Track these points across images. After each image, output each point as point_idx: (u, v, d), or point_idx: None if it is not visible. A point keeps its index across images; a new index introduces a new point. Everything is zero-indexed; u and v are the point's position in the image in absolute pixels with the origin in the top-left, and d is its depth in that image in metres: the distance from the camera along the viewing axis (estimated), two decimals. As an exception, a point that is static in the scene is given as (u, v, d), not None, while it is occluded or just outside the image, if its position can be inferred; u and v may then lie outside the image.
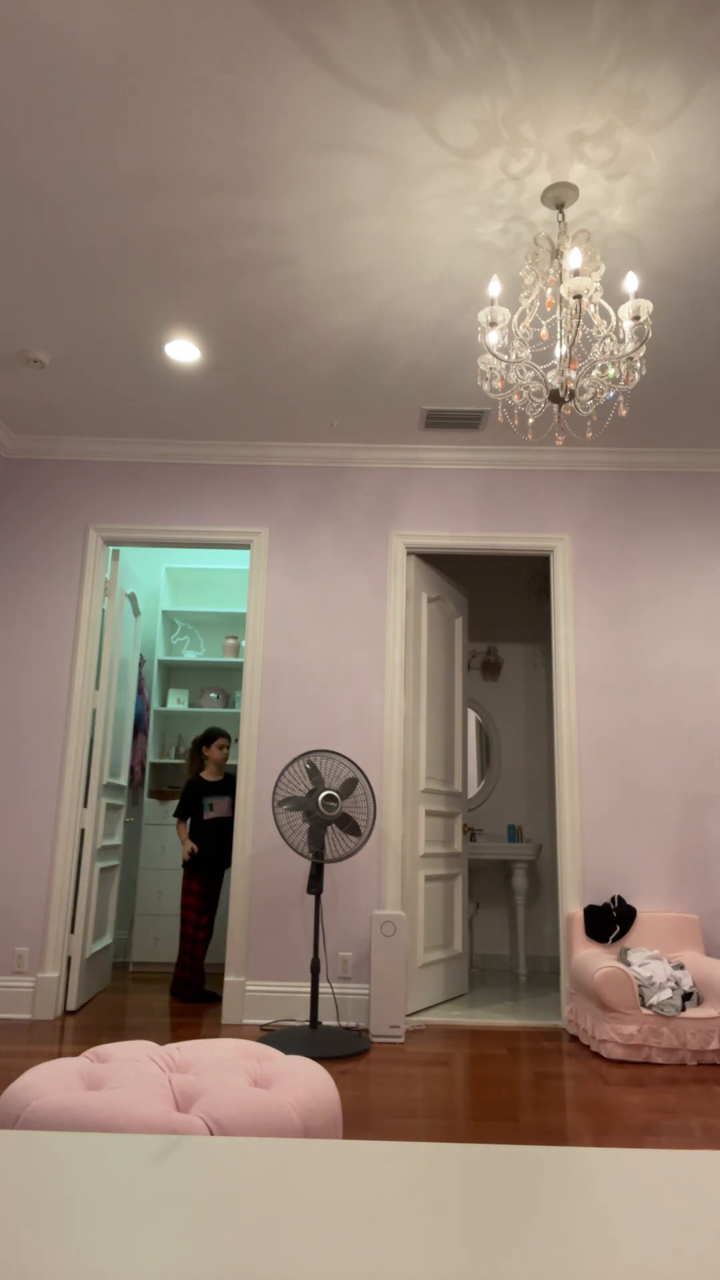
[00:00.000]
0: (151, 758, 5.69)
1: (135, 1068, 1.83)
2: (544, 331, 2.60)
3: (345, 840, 3.89)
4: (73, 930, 4.23)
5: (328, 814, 3.76)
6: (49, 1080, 1.74)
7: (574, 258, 2.46)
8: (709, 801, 4.25)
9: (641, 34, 2.20)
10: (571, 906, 4.15)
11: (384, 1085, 3.14)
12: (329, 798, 3.76)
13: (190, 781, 4.90)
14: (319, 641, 4.46)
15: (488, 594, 6.25)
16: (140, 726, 5.69)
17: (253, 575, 4.54)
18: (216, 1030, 3.92)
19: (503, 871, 5.81)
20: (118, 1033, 3.80)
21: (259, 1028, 3.96)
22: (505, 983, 5.14)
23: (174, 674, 6.07)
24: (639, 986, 3.59)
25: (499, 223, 2.91)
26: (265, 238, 3.02)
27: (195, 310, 3.47)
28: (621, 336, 2.68)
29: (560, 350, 2.65)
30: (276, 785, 3.86)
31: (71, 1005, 4.13)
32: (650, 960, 3.75)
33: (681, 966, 3.75)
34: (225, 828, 4.80)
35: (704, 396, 4.03)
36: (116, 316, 3.52)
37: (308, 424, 4.41)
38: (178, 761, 5.74)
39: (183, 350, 3.74)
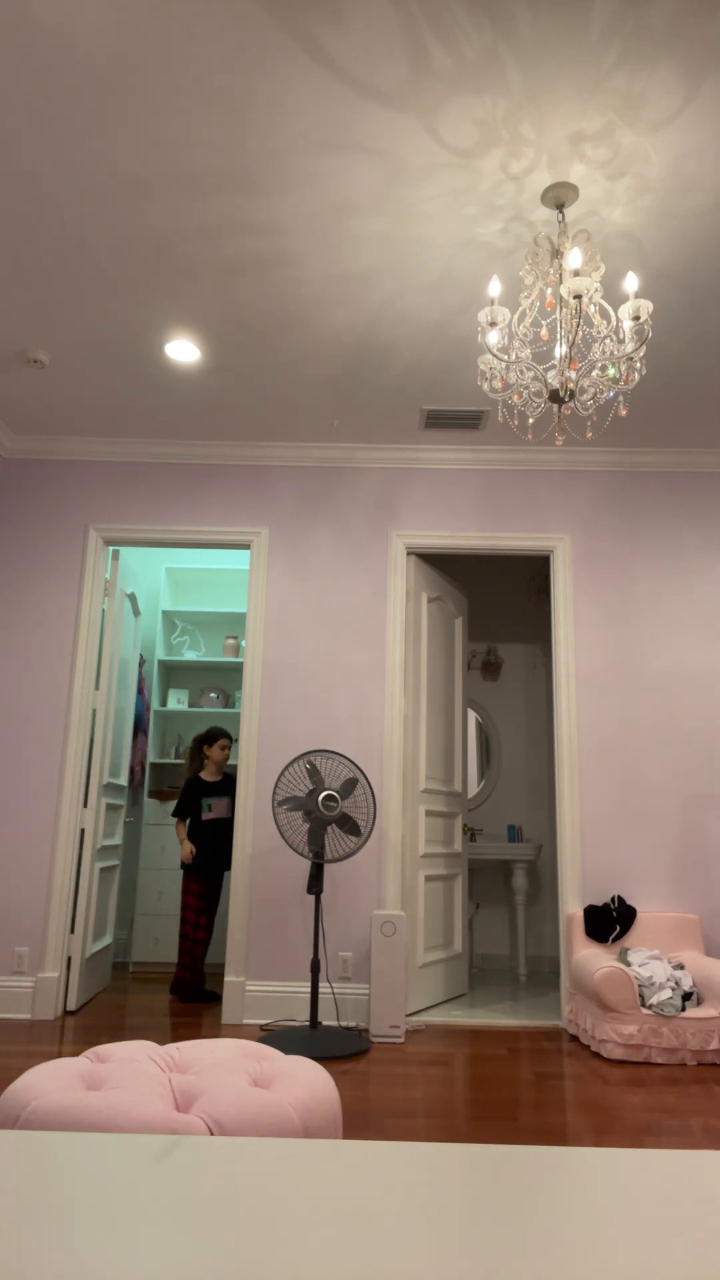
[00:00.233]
0: (151, 758, 5.69)
1: (135, 1068, 1.83)
2: (544, 331, 2.60)
3: (345, 840, 3.89)
4: (73, 930, 4.23)
5: (328, 814, 3.76)
6: (49, 1080, 1.74)
7: (574, 258, 2.46)
8: (709, 801, 4.25)
9: (641, 34, 2.20)
10: (571, 906, 4.15)
11: (384, 1085, 3.14)
12: (329, 798, 3.76)
13: (190, 781, 4.89)
14: (319, 641, 4.46)
15: (488, 594, 6.25)
16: (140, 726, 5.70)
17: (253, 575, 4.54)
18: (216, 1030, 3.92)
19: (503, 871, 5.81)
20: (118, 1033, 3.80)
21: (259, 1028, 3.96)
22: (505, 983, 5.14)
23: (174, 674, 6.07)
24: (639, 986, 3.59)
25: (499, 223, 2.91)
26: (265, 237, 3.02)
27: (195, 310, 3.47)
28: (621, 336, 2.68)
29: (560, 350, 2.65)
30: (276, 785, 3.86)
31: (71, 1005, 4.13)
32: (650, 960, 3.75)
33: (681, 966, 3.75)
34: (224, 828, 4.79)
35: (704, 396, 4.03)
36: (116, 316, 3.52)
37: (307, 424, 4.41)
38: (178, 761, 5.74)
39: (183, 350, 3.74)
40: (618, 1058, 3.47)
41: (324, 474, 4.67)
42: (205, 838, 4.76)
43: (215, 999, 4.52)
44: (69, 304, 3.43)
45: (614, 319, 2.65)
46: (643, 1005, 3.53)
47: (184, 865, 4.74)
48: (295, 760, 3.92)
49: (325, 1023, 3.99)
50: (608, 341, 2.63)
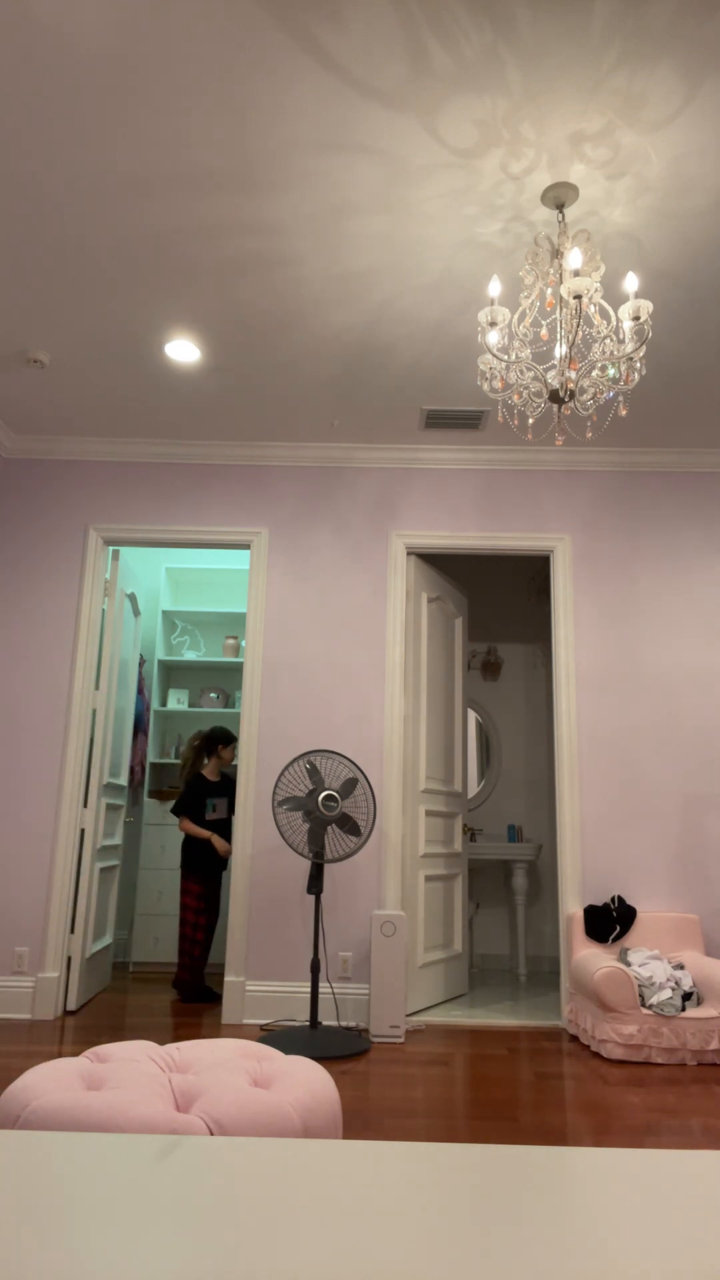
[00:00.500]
0: (151, 758, 5.69)
1: (135, 1068, 1.83)
2: (544, 331, 2.60)
3: (345, 840, 3.89)
4: (73, 930, 4.24)
5: (328, 814, 3.76)
6: (49, 1080, 1.74)
7: (574, 258, 2.46)
8: (709, 801, 4.25)
9: (642, 34, 2.20)
10: (571, 906, 4.15)
11: (384, 1085, 3.14)
12: (329, 798, 3.76)
13: (196, 778, 4.87)
14: (319, 641, 4.46)
15: (488, 594, 6.25)
16: (140, 726, 5.70)
17: (253, 575, 4.54)
18: (216, 1030, 3.92)
19: (503, 871, 5.81)
20: (118, 1033, 3.80)
21: (259, 1028, 3.96)
22: (505, 983, 5.14)
23: (174, 674, 6.07)
24: (639, 986, 3.59)
25: (499, 223, 2.91)
26: (265, 237, 3.02)
27: (195, 310, 3.47)
28: (621, 336, 2.68)
29: (560, 350, 2.65)
30: (276, 785, 3.86)
31: (71, 1005, 4.13)
32: (650, 960, 3.75)
33: (681, 966, 3.75)
34: (223, 829, 4.80)
35: (704, 396, 4.03)
36: (116, 316, 3.52)
37: (307, 424, 4.41)
38: (177, 761, 5.74)
39: (183, 350, 3.74)
40: (618, 1058, 3.47)
41: (324, 474, 4.67)
42: (202, 839, 4.76)
43: (216, 999, 4.52)
44: (69, 304, 3.43)
45: (614, 319, 2.65)
46: (643, 1005, 3.53)
47: (186, 865, 4.74)
48: (295, 760, 3.92)
49: (325, 1023, 3.99)
50: (608, 341, 2.63)
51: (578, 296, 2.41)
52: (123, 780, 4.96)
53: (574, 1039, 3.86)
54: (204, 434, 4.55)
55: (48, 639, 4.45)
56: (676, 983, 3.60)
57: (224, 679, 6.06)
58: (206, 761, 4.95)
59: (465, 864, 4.88)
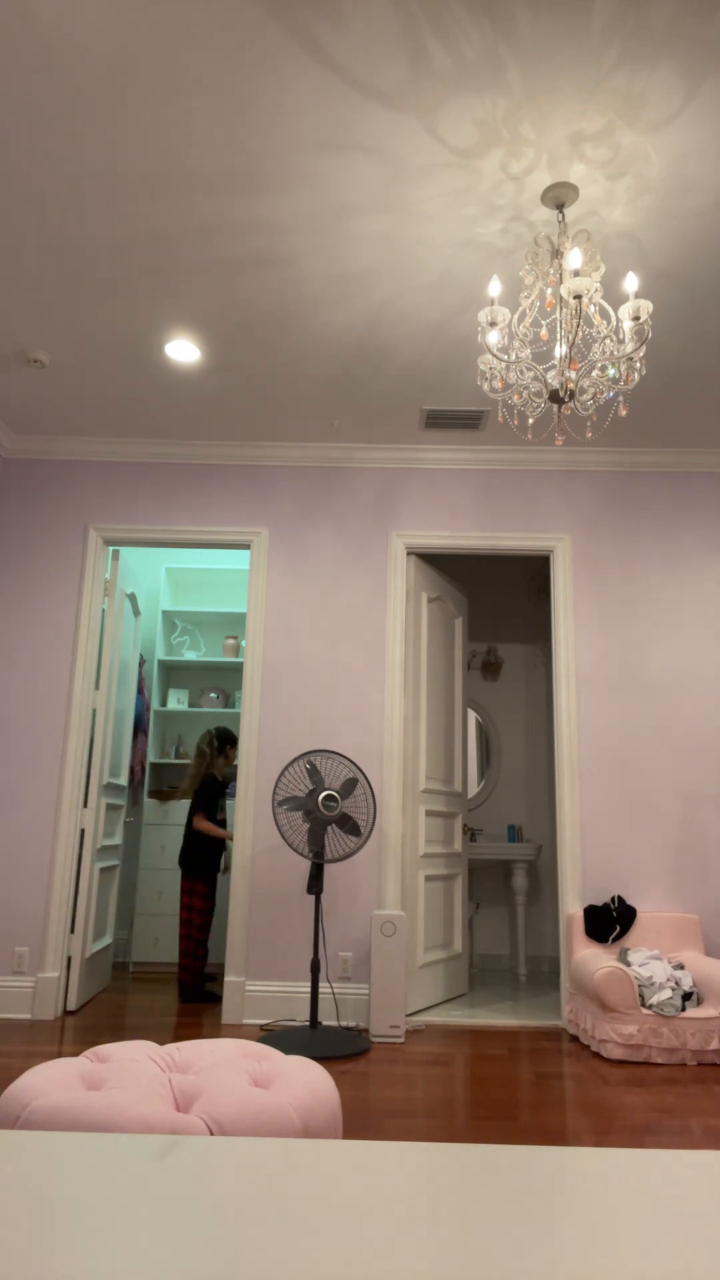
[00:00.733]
0: (151, 758, 5.69)
1: (135, 1068, 1.83)
2: (544, 331, 2.60)
3: (345, 840, 3.89)
4: (73, 930, 4.24)
5: (328, 814, 3.76)
6: (49, 1080, 1.74)
7: (574, 258, 2.46)
8: (709, 801, 4.25)
9: (642, 34, 2.20)
10: (571, 906, 4.14)
11: (384, 1085, 3.14)
12: (329, 798, 3.76)
13: (212, 778, 4.86)
14: (319, 641, 4.46)
15: (488, 594, 6.25)
16: (140, 726, 5.70)
17: (253, 575, 4.54)
18: (216, 1030, 3.92)
19: (503, 871, 5.81)
20: (118, 1033, 3.80)
21: (259, 1028, 3.96)
22: (505, 983, 5.14)
23: (174, 674, 6.07)
24: (639, 986, 3.59)
25: (499, 223, 2.91)
26: (265, 237, 3.02)
27: (195, 310, 3.47)
28: (621, 336, 2.68)
29: (560, 350, 2.65)
30: (276, 785, 3.86)
31: (71, 1005, 4.13)
32: (650, 960, 3.75)
33: (681, 966, 3.75)
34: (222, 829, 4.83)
35: (704, 396, 4.03)
36: (117, 316, 3.52)
37: (307, 424, 4.41)
38: (178, 761, 5.74)
39: (183, 350, 3.74)
40: (618, 1058, 3.47)
41: (324, 474, 4.67)
42: (210, 839, 4.77)
43: (216, 1000, 4.52)
44: (69, 304, 3.43)
45: (614, 319, 2.65)
46: (643, 1005, 3.53)
47: (192, 865, 4.72)
48: (295, 760, 3.92)
49: (325, 1023, 3.99)
50: (608, 341, 2.63)
51: (578, 296, 2.41)
52: (123, 780, 4.96)
53: (574, 1039, 3.86)
54: (204, 434, 4.55)
55: (48, 639, 4.45)
56: (676, 983, 3.60)
57: (224, 679, 6.06)
58: (218, 761, 4.95)
59: (465, 864, 4.88)
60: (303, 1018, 4.04)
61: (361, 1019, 4.06)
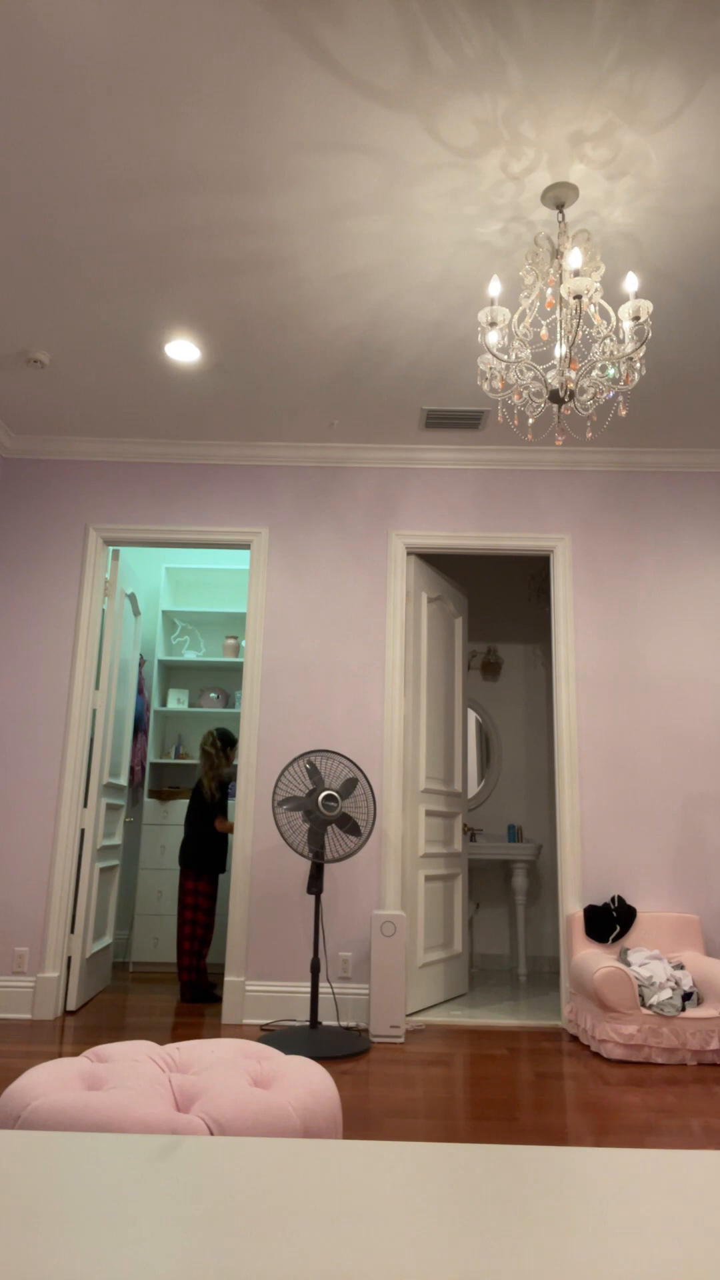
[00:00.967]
0: (151, 758, 5.69)
1: (135, 1068, 1.82)
2: (544, 331, 2.60)
3: (345, 840, 3.89)
4: (73, 930, 4.23)
5: (328, 814, 3.76)
6: (49, 1080, 1.74)
7: (574, 258, 2.46)
8: (709, 801, 4.25)
9: (642, 34, 2.20)
10: (571, 906, 4.14)
11: (384, 1085, 3.14)
12: (329, 798, 3.76)
13: (227, 778, 4.93)
14: (319, 641, 4.46)
15: (488, 594, 6.25)
16: (140, 726, 5.70)
17: (252, 575, 4.54)
18: (216, 1030, 3.92)
19: (503, 871, 5.81)
20: (118, 1033, 3.80)
21: (259, 1028, 3.96)
22: (505, 983, 5.14)
23: (174, 674, 6.07)
24: (639, 986, 3.59)
25: (499, 222, 2.91)
26: (265, 237, 3.02)
27: (195, 310, 3.47)
28: (621, 337, 2.68)
29: (560, 350, 2.65)
30: (276, 785, 3.86)
31: (71, 1005, 4.13)
32: (650, 960, 3.75)
33: (681, 966, 3.75)
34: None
35: (704, 396, 4.03)
36: (116, 316, 3.52)
37: (307, 424, 4.41)
38: (178, 761, 5.74)
39: (182, 350, 3.74)
40: (618, 1058, 3.47)
41: (323, 474, 4.67)
42: (219, 837, 4.81)
43: (218, 999, 4.53)
44: (69, 304, 3.43)
45: (614, 319, 2.65)
46: (643, 1005, 3.53)
47: (201, 864, 4.74)
48: (295, 760, 3.92)
49: (325, 1023, 3.99)
50: (608, 341, 2.63)
51: (578, 296, 2.41)
52: (123, 780, 4.96)
53: (574, 1039, 3.86)
54: (204, 434, 4.55)
55: (48, 639, 4.45)
56: (676, 983, 3.60)
57: (224, 679, 6.06)
58: (221, 760, 4.99)
59: (465, 864, 4.88)
60: (303, 1018, 4.04)
61: (361, 1019, 4.06)
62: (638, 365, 2.61)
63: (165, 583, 5.88)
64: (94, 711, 4.49)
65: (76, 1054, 3.46)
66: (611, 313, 2.70)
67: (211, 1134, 1.61)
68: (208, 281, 3.28)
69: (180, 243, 3.06)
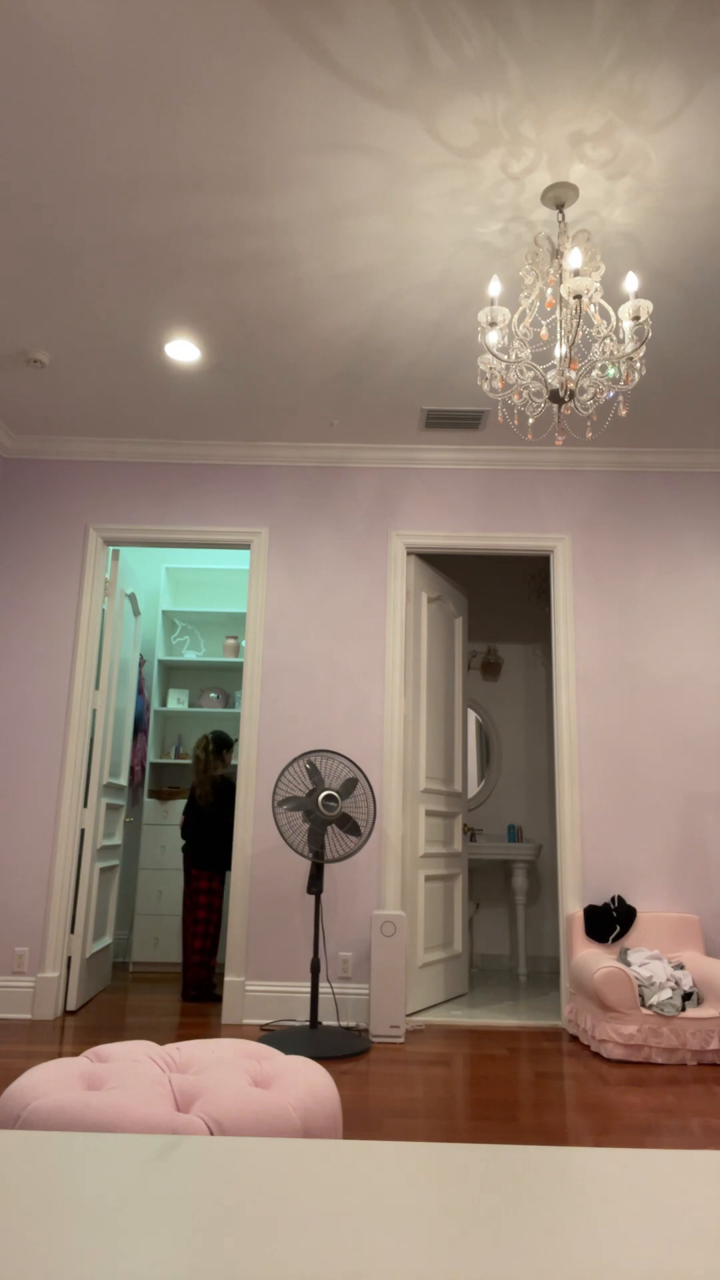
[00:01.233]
0: (151, 758, 5.69)
1: (135, 1068, 1.82)
2: (544, 331, 2.60)
3: (345, 840, 3.89)
4: (73, 930, 4.23)
5: (328, 814, 3.76)
6: (49, 1080, 1.74)
7: (574, 258, 2.46)
8: (709, 801, 4.25)
9: (642, 34, 2.20)
10: (571, 906, 4.14)
11: (384, 1085, 3.14)
12: (329, 798, 3.76)
13: (220, 780, 4.94)
14: (319, 641, 4.46)
15: (488, 594, 6.25)
16: (140, 726, 5.70)
17: (252, 575, 4.54)
18: (216, 1030, 3.92)
19: (503, 871, 5.81)
20: (118, 1033, 3.80)
21: (259, 1028, 3.96)
22: (505, 983, 5.14)
23: (174, 674, 6.07)
24: (639, 986, 3.59)
25: (499, 222, 2.91)
26: (265, 237, 3.02)
27: (195, 310, 3.47)
28: (621, 336, 2.68)
29: (560, 350, 2.65)
30: (276, 785, 3.86)
31: (71, 1005, 4.13)
32: (650, 960, 3.75)
33: (681, 966, 3.75)
34: (215, 829, 4.87)
35: (704, 396, 4.03)
36: (116, 316, 3.52)
37: (307, 424, 4.41)
38: (178, 761, 5.75)
39: (182, 350, 3.74)
40: (618, 1058, 3.47)
41: (323, 474, 4.67)
42: (230, 837, 4.84)
43: (219, 999, 4.54)
44: (69, 304, 3.43)
45: (614, 319, 2.65)
46: (643, 1005, 3.53)
47: (211, 863, 4.77)
48: (295, 760, 3.92)
49: (325, 1023, 3.99)
50: (608, 341, 2.63)
51: (578, 296, 2.41)
52: (123, 780, 4.96)
53: (574, 1039, 3.86)
54: (204, 434, 4.55)
55: (48, 639, 4.45)
56: (676, 983, 3.60)
57: (224, 679, 6.06)
58: (216, 764, 5.01)
59: (465, 864, 4.88)
60: (303, 1018, 4.04)
61: (361, 1019, 4.06)
62: (638, 365, 2.61)
63: (165, 583, 5.88)
64: (94, 711, 4.50)
65: (76, 1054, 3.46)
66: (611, 313, 2.70)
67: (211, 1134, 1.61)
68: (208, 281, 3.28)
69: (180, 243, 3.06)
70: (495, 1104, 2.94)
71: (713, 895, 4.16)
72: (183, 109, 2.47)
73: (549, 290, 2.74)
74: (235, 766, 5.34)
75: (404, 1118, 2.81)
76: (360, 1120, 2.78)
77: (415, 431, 4.46)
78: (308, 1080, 1.81)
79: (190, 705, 5.88)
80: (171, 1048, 2.02)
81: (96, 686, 4.52)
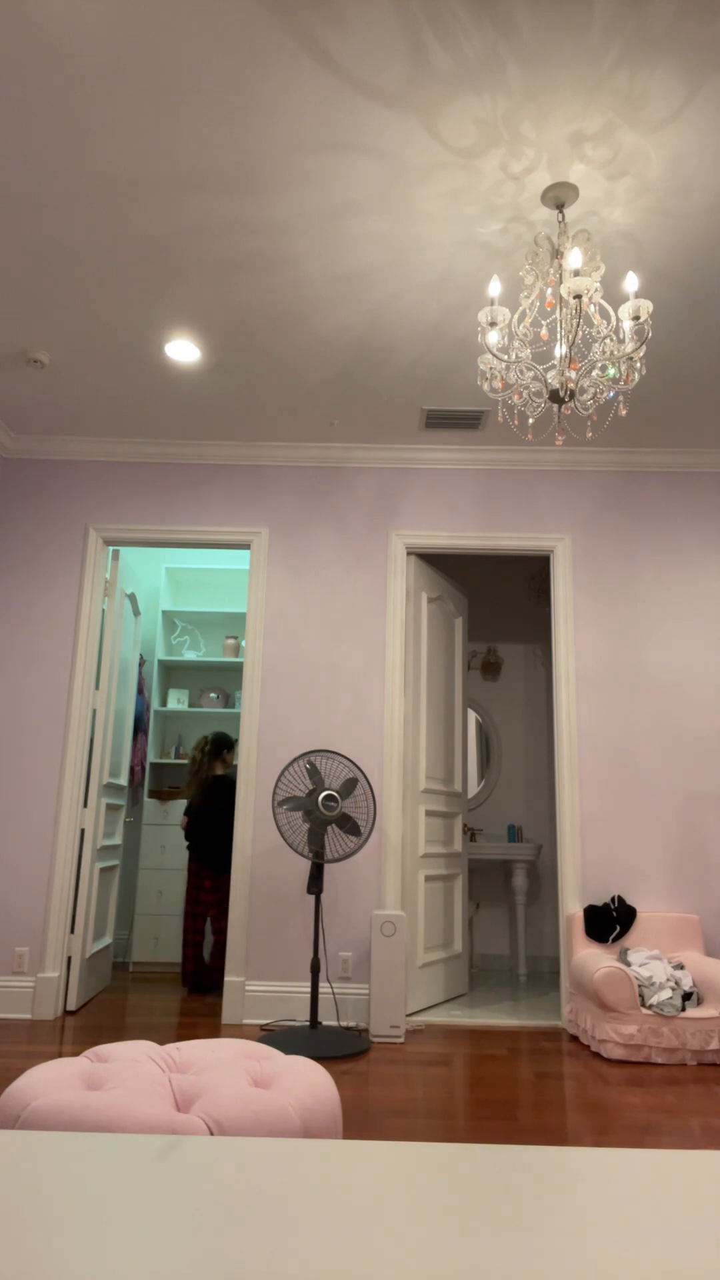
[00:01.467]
0: (151, 758, 5.69)
1: (135, 1068, 1.82)
2: (544, 331, 2.60)
3: (345, 840, 3.89)
4: (73, 930, 4.23)
5: (328, 814, 3.76)
6: (49, 1080, 1.74)
7: (574, 258, 2.46)
8: (709, 801, 4.25)
9: (642, 34, 2.20)
10: (571, 906, 4.14)
11: (384, 1085, 3.14)
12: (329, 798, 3.76)
13: (211, 781, 4.97)
14: (319, 641, 4.46)
15: (488, 594, 6.25)
16: (140, 726, 5.70)
17: (253, 575, 4.54)
18: (216, 1030, 3.92)
19: (503, 871, 5.81)
20: (118, 1033, 3.80)
21: (259, 1028, 3.96)
22: (505, 983, 5.14)
23: (174, 674, 6.07)
24: (639, 986, 3.59)
25: (499, 222, 2.91)
26: (265, 237, 3.02)
27: (195, 310, 3.47)
28: (621, 336, 2.68)
29: (560, 350, 2.65)
30: (276, 785, 3.86)
31: (71, 1005, 4.13)
32: (650, 960, 3.75)
33: (681, 966, 3.75)
34: (214, 829, 4.89)
35: (704, 396, 4.03)
36: (116, 316, 3.52)
37: (307, 424, 4.41)
38: (178, 761, 5.75)
39: (182, 350, 3.74)
40: (618, 1058, 3.47)
41: (323, 474, 4.67)
42: (226, 835, 4.86)
43: (219, 992, 4.61)
44: (69, 304, 3.43)
45: (614, 319, 2.65)
46: (643, 1005, 3.53)
47: (218, 862, 4.80)
48: (295, 760, 3.92)
49: (325, 1023, 3.98)
50: (608, 341, 2.63)
51: (578, 296, 2.41)
52: (123, 780, 4.96)
53: (574, 1039, 3.86)
54: (204, 434, 4.55)
55: (48, 639, 4.45)
56: (676, 983, 3.60)
57: (224, 679, 6.06)
58: (216, 765, 5.04)
59: (465, 864, 4.88)
60: (303, 1018, 4.04)
61: (361, 1019, 4.06)
62: (638, 365, 2.61)
63: (165, 583, 5.88)
64: (94, 711, 4.50)
65: (76, 1054, 3.46)
66: (611, 312, 2.70)
67: (211, 1134, 1.61)
68: (208, 282, 3.28)
69: (180, 243, 3.06)
70: (495, 1104, 2.94)
71: (713, 895, 4.16)
72: (182, 109, 2.47)
73: (549, 290, 2.74)
74: (236, 767, 5.34)
75: (404, 1118, 2.81)
76: (360, 1120, 2.78)
77: (415, 431, 4.46)
78: (308, 1080, 1.81)
79: (190, 705, 5.88)
80: (171, 1048, 2.02)
81: (96, 686, 4.52)
